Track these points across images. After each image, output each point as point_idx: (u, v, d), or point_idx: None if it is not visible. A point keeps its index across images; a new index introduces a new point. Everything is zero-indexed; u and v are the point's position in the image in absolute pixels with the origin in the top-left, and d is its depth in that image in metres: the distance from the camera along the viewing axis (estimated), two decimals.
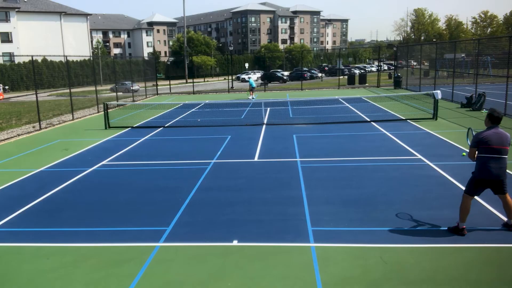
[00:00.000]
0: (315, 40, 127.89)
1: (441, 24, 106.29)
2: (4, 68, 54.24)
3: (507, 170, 6.48)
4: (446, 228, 6.60)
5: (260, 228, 6.96)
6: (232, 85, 43.65)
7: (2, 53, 55.00)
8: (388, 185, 9.00)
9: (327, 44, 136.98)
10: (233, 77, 49.86)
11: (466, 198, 6.47)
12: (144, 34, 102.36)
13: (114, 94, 32.58)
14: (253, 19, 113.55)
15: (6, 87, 51.39)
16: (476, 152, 6.35)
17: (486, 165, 6.22)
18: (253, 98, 29.83)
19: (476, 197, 7.90)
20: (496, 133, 6.23)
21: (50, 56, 35.10)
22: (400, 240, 6.31)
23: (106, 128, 18.04)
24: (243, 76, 58.17)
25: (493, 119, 6.31)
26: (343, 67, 61.09)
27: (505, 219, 6.77)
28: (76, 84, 52.32)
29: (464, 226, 6.44)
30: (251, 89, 30.76)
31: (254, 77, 55.77)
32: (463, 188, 8.44)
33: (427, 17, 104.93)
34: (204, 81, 64.49)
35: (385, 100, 24.87)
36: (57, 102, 33.46)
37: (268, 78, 48.85)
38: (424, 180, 9.24)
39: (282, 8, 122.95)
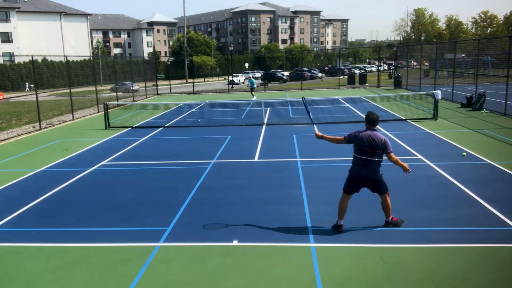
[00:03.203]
0: (315, 40, 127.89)
1: (441, 24, 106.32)
2: (4, 68, 54.24)
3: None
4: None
5: (260, 228, 6.95)
6: (233, 85, 43.67)
7: (2, 53, 55.01)
8: (388, 185, 8.96)
9: (327, 44, 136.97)
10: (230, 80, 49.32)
11: (342, 196, 6.67)
12: (144, 34, 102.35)
13: (114, 94, 32.58)
14: (253, 19, 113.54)
15: (32, 85, 51.40)
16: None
17: (357, 164, 6.47)
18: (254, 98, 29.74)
19: (476, 197, 7.92)
20: (370, 135, 6.32)
21: (50, 56, 35.07)
22: (400, 240, 6.31)
23: (106, 128, 18.04)
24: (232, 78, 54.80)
25: (369, 121, 6.44)
26: (343, 67, 61.03)
27: (508, 221, 6.78)
28: (76, 84, 52.31)
29: (341, 223, 6.62)
30: (252, 88, 30.52)
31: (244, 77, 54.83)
32: (464, 188, 8.50)
33: (427, 17, 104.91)
34: (204, 81, 64.49)
35: (385, 100, 24.86)
36: (57, 102, 33.47)
37: (268, 78, 48.85)
38: (424, 180, 9.24)
39: (282, 8, 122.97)
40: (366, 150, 6.32)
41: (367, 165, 6.36)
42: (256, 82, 42.56)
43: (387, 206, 6.63)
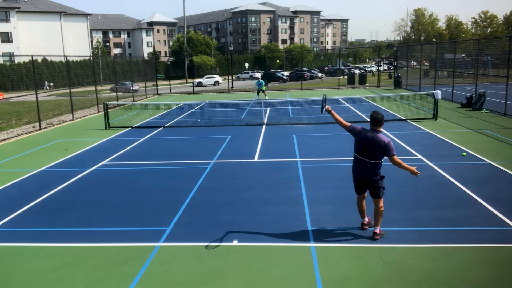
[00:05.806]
0: (315, 40, 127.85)
1: (441, 24, 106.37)
2: (4, 68, 54.23)
3: None
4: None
5: (260, 228, 6.95)
6: (232, 85, 43.68)
7: (2, 53, 55.00)
8: (388, 185, 8.94)
9: (327, 44, 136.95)
10: (234, 78, 49.18)
11: (357, 197, 6.65)
12: (144, 34, 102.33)
13: (114, 94, 32.58)
14: (253, 19, 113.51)
15: (51, 84, 51.33)
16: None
17: (354, 163, 6.45)
18: (257, 98, 29.03)
19: (476, 197, 7.92)
20: (369, 136, 6.11)
21: (50, 56, 35.00)
22: (400, 240, 6.31)
23: (106, 128, 18.04)
24: (200, 80, 53.14)
25: (372, 121, 6.21)
26: (343, 67, 60.99)
27: (508, 221, 6.78)
28: (76, 84, 52.30)
29: (362, 221, 6.70)
30: (260, 90, 28.90)
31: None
32: (463, 188, 8.50)
33: (427, 17, 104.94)
34: None
35: (385, 100, 24.86)
36: (57, 102, 33.47)
37: (268, 78, 48.86)
38: (424, 180, 9.23)
39: (282, 8, 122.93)
40: (360, 149, 6.22)
41: (361, 165, 6.26)
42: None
43: (379, 213, 6.28)
